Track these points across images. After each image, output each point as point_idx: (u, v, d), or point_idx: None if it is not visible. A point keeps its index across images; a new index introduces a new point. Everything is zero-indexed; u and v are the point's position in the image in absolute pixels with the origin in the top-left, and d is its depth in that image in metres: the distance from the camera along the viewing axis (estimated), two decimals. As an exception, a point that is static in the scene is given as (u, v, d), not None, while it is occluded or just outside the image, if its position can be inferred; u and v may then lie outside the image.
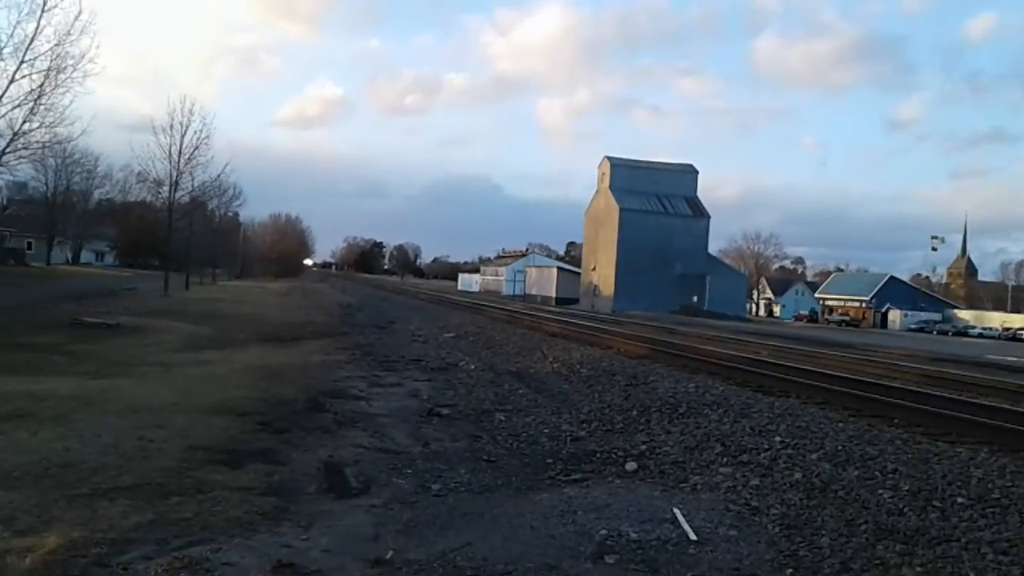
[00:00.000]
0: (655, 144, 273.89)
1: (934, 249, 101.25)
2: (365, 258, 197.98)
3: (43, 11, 26.84)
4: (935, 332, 76.57)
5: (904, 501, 6.32)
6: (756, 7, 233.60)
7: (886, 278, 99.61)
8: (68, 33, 27.36)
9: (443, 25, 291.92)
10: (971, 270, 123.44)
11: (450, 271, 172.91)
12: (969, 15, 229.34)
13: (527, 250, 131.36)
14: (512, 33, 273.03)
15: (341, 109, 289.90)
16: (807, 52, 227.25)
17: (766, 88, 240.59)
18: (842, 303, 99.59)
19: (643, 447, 8.66)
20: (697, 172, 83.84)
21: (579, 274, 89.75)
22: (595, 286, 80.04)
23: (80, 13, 27.56)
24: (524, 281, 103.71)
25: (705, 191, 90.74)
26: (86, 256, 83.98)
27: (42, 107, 27.59)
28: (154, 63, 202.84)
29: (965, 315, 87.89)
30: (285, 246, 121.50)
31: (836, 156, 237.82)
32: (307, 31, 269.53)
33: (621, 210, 76.10)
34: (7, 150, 28.31)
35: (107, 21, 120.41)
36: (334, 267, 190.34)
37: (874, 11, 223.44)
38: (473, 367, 15.55)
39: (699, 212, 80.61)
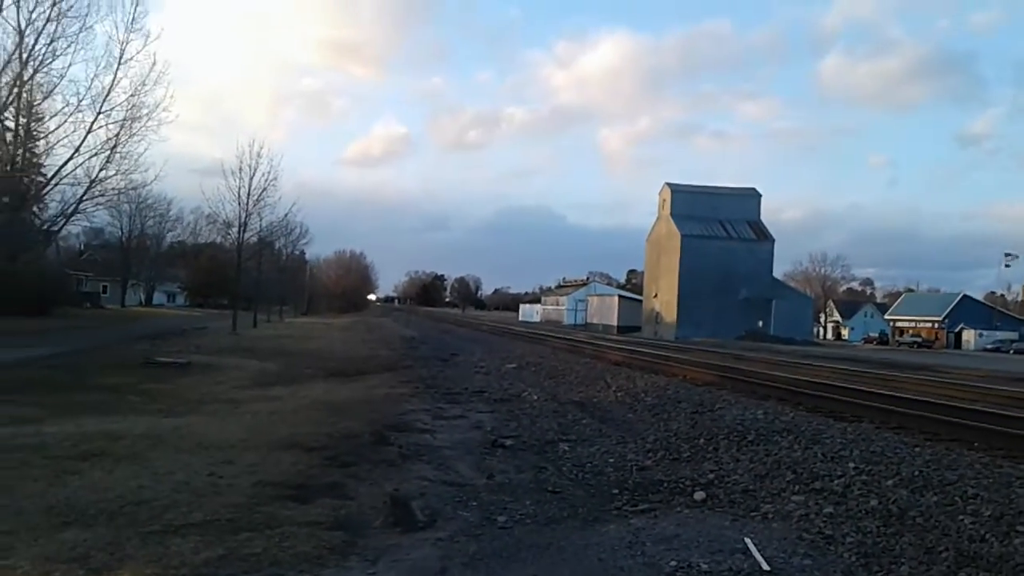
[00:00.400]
0: (718, 169, 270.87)
1: (1007, 266, 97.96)
2: (427, 291, 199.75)
3: (119, 64, 28.17)
4: (1012, 351, 73.80)
5: (986, 527, 6.08)
6: (820, 27, 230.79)
7: (959, 297, 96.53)
8: (143, 84, 28.69)
9: (503, 60, 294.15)
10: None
11: (511, 302, 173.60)
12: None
13: (587, 279, 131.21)
14: (572, 65, 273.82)
15: (405, 146, 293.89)
16: (874, 70, 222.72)
17: (832, 107, 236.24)
18: (913, 324, 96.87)
19: (711, 476, 8.50)
20: (760, 195, 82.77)
21: (640, 302, 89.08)
22: (657, 313, 79.33)
23: (154, 65, 28.83)
24: (585, 310, 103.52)
25: (769, 214, 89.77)
26: (158, 297, 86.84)
27: (118, 155, 28.86)
28: (225, 109, 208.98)
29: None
30: (349, 282, 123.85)
31: (905, 174, 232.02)
32: (373, 73, 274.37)
33: (682, 236, 75.53)
34: (84, 197, 29.61)
35: (179, 70, 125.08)
36: (396, 301, 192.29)
37: (942, 27, 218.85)
38: (536, 397, 15.49)
39: (763, 235, 79.47)
